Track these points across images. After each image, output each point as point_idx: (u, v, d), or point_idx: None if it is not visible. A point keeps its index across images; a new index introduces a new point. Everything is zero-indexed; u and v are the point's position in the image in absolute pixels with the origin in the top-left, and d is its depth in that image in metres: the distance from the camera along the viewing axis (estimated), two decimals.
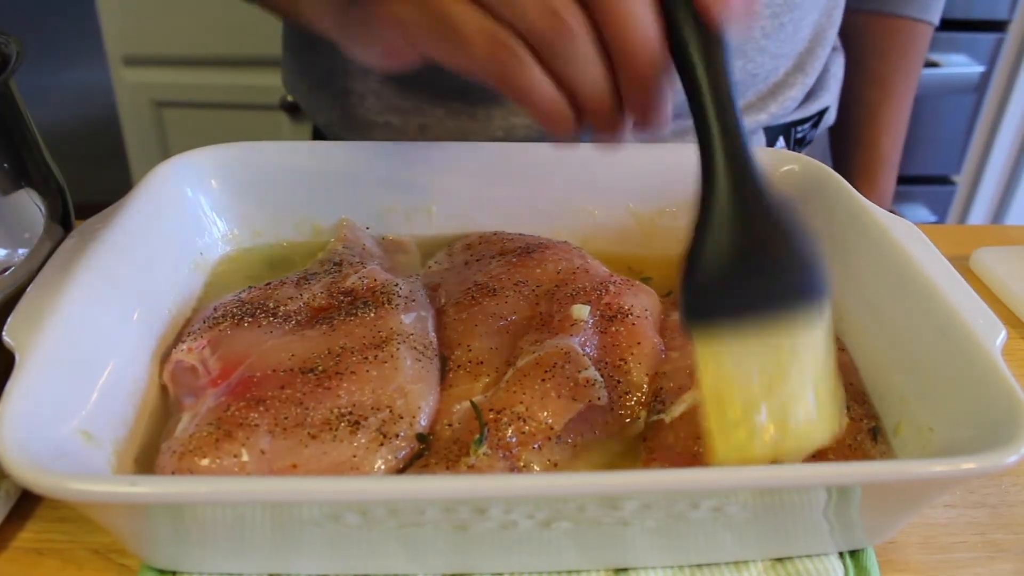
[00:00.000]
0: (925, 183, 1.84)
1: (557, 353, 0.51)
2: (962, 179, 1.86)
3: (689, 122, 0.83)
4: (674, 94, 0.73)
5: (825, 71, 0.90)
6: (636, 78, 0.42)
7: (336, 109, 0.84)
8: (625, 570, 0.46)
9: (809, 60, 0.85)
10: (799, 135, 0.90)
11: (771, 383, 0.38)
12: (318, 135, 0.95)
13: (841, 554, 0.47)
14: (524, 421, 0.48)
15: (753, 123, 0.83)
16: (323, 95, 0.85)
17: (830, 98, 0.92)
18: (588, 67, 0.41)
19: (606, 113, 0.43)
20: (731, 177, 0.39)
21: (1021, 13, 1.65)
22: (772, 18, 0.78)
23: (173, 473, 0.44)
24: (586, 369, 0.51)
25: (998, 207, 1.90)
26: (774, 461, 0.39)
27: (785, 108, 0.85)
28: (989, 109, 1.77)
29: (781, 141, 0.88)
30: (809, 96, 0.89)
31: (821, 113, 0.91)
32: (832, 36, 0.88)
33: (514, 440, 0.47)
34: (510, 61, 0.41)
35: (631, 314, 0.56)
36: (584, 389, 0.50)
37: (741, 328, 0.38)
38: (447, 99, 0.79)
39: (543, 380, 0.50)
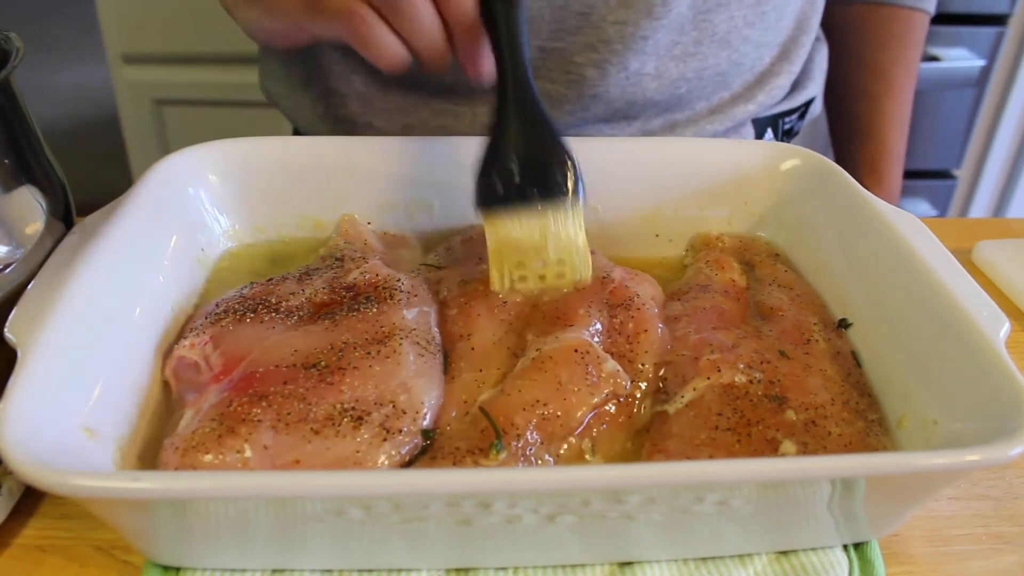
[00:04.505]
0: (926, 177, 1.83)
1: (570, 347, 0.51)
2: (963, 173, 1.86)
3: (679, 115, 0.84)
4: (646, 88, 0.74)
5: (809, 61, 0.90)
6: (459, 32, 0.54)
7: (318, 111, 0.83)
8: (629, 564, 0.46)
9: (794, 48, 0.84)
10: (787, 126, 0.89)
11: (536, 245, 0.55)
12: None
13: (845, 547, 0.47)
14: (546, 421, 0.48)
15: (742, 114, 0.82)
16: (304, 97, 0.84)
17: (815, 88, 0.91)
18: (424, 24, 0.53)
19: (438, 58, 0.55)
20: (517, 103, 0.54)
21: (1021, 7, 1.65)
22: (754, 6, 0.77)
23: (176, 469, 0.44)
24: (606, 362, 0.50)
25: (999, 201, 1.90)
26: (539, 294, 0.57)
27: (773, 97, 0.84)
28: (990, 103, 1.76)
29: (769, 133, 0.88)
30: (795, 86, 0.89)
31: (807, 104, 0.91)
32: (815, 23, 0.87)
33: (535, 439, 0.47)
34: (360, 25, 0.54)
35: (636, 301, 0.56)
36: (602, 382, 0.49)
37: (516, 209, 0.55)
38: (430, 99, 0.79)
39: (560, 376, 0.49)
